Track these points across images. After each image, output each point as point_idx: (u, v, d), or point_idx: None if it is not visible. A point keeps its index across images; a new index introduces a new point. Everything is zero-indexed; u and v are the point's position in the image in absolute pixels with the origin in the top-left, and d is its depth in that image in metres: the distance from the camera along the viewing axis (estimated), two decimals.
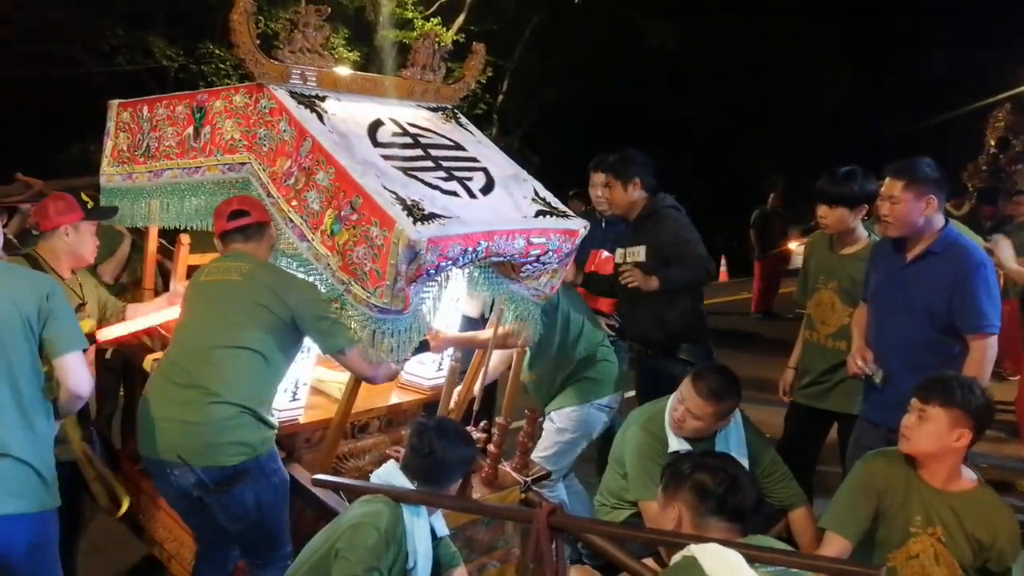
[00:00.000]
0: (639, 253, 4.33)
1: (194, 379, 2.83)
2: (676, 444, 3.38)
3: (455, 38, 12.27)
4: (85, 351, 2.72)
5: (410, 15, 12.94)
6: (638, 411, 3.74)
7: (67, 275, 3.40)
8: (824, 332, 4.04)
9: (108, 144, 3.79)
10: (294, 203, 2.97)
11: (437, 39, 3.74)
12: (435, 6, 13.35)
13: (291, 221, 2.98)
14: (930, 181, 3.36)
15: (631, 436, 3.54)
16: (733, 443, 3.46)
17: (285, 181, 3.00)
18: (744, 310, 11.82)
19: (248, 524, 2.91)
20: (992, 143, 10.91)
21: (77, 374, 2.60)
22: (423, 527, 2.74)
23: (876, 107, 17.46)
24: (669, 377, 4.06)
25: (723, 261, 15.32)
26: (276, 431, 3.00)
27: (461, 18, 13.60)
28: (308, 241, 2.93)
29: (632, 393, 4.68)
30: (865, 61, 18.51)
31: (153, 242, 3.98)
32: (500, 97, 15.25)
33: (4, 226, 5.83)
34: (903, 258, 3.48)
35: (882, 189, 3.47)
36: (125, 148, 3.68)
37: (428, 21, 12.93)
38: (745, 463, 3.31)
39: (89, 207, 3.39)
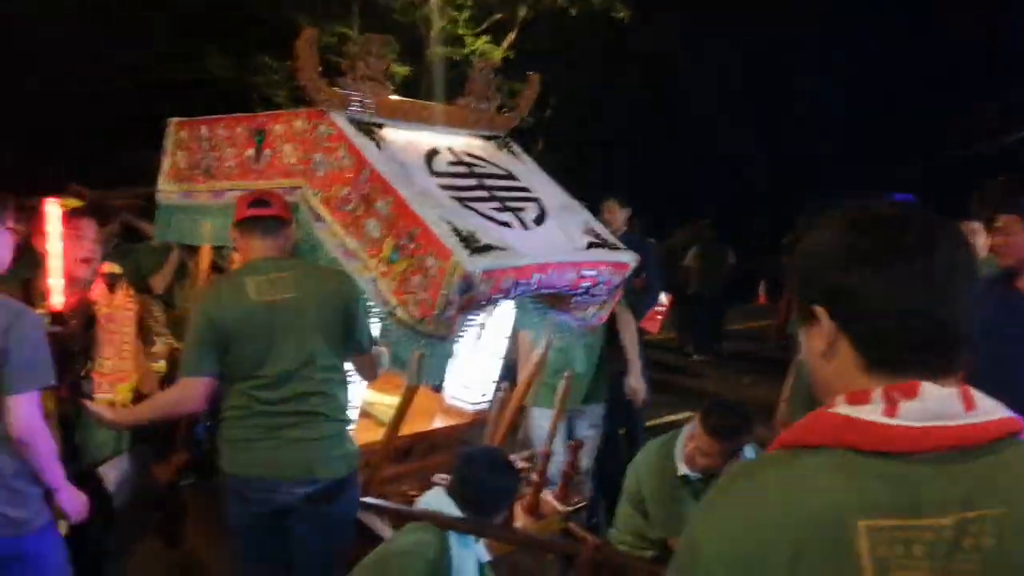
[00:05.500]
0: None
1: (295, 405, 2.86)
2: (684, 468, 3.26)
3: (505, 54, 12.31)
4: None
5: (461, 32, 13.00)
6: (651, 445, 3.54)
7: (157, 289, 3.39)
8: None
9: (165, 162, 3.81)
10: (351, 229, 3.00)
11: (490, 66, 3.75)
12: (486, 23, 13.40)
13: (344, 247, 3.00)
14: None
15: (644, 476, 3.40)
16: None
17: (342, 207, 3.03)
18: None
19: (332, 537, 2.95)
20: None
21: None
22: (470, 558, 2.73)
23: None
24: None
25: (762, 285, 15.16)
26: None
27: (511, 36, 13.63)
28: (362, 265, 2.95)
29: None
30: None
31: (206, 260, 4.02)
32: (547, 111, 15.22)
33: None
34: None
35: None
36: (184, 166, 3.72)
37: (479, 38, 12.99)
38: None
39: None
